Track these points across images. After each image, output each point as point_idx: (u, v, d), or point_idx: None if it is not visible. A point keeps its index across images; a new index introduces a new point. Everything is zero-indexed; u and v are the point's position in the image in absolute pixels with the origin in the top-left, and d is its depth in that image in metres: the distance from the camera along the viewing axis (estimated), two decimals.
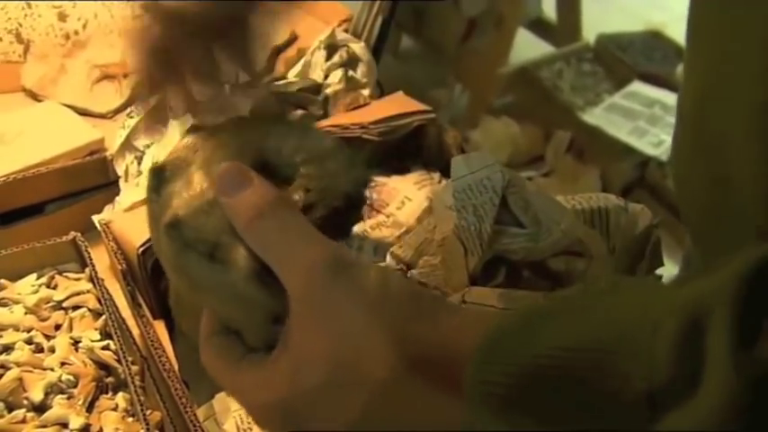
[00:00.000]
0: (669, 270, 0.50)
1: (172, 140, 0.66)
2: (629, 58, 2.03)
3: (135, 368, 0.53)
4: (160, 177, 0.36)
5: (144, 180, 0.63)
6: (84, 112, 0.83)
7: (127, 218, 0.59)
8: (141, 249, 0.54)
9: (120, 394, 0.52)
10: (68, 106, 0.82)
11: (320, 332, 0.30)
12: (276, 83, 0.69)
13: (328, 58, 0.69)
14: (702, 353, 0.23)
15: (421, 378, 0.29)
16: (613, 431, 0.25)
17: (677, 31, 2.15)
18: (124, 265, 0.55)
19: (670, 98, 1.86)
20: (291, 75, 0.71)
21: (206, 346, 0.35)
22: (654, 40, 2.10)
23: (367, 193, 0.37)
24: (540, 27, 2.21)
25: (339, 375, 0.30)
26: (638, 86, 1.95)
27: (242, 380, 0.33)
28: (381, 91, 0.81)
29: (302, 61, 0.70)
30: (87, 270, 0.59)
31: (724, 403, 0.22)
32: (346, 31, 0.78)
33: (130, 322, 0.59)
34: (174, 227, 0.33)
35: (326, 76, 0.70)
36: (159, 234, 0.34)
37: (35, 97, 0.85)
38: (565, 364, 0.26)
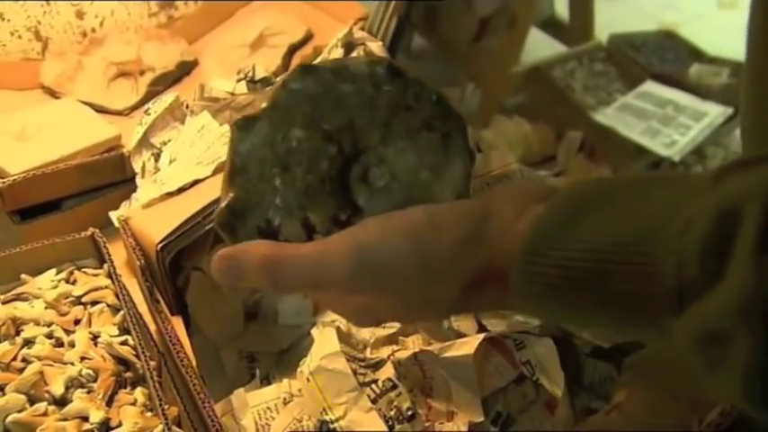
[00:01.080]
0: None
1: (188, 137, 0.67)
2: (642, 58, 2.02)
3: (152, 364, 0.54)
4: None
5: (162, 176, 0.64)
6: (100, 109, 0.84)
7: (145, 214, 0.59)
8: (160, 245, 0.54)
9: (139, 389, 0.52)
10: (86, 103, 0.83)
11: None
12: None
13: (345, 55, 0.70)
14: (730, 251, 0.25)
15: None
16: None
17: (690, 32, 2.14)
18: (143, 261, 0.55)
19: (683, 98, 1.86)
20: None
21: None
22: (667, 40, 2.09)
23: None
24: (552, 26, 2.20)
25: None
26: (650, 86, 1.94)
27: (300, 246, 0.34)
28: None
29: (319, 59, 0.71)
30: (106, 266, 0.60)
31: (740, 300, 0.24)
32: (362, 29, 0.78)
33: (147, 318, 0.60)
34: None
35: None
36: None
37: (53, 94, 0.86)
38: (600, 258, 0.28)
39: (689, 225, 0.26)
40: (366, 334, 0.58)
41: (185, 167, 0.62)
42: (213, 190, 0.57)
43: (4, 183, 0.67)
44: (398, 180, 0.36)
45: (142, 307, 0.60)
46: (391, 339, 0.57)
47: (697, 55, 2.00)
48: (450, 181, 0.37)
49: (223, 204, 0.36)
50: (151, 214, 0.59)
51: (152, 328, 0.59)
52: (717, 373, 0.26)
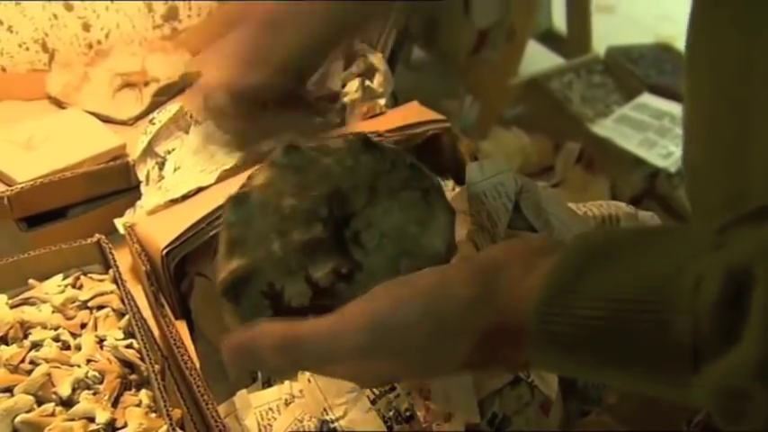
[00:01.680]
0: None
1: (192, 146, 0.68)
2: (639, 70, 2.04)
3: (156, 367, 0.55)
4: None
5: (166, 184, 0.65)
6: (106, 119, 0.85)
7: (150, 221, 0.61)
8: (165, 251, 0.55)
9: (144, 391, 0.53)
10: (91, 113, 0.85)
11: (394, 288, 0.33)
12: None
13: (346, 67, 0.71)
14: (743, 311, 0.25)
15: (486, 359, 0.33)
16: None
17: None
18: (148, 266, 0.57)
19: (679, 110, 1.88)
20: (309, 84, 0.73)
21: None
22: (663, 52, 2.11)
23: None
24: (550, 39, 2.23)
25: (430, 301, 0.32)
26: (647, 98, 1.96)
27: (313, 324, 0.34)
28: (395, 101, 0.83)
29: (320, 70, 0.72)
30: (111, 271, 0.61)
31: (757, 363, 0.25)
32: (362, 41, 0.80)
33: (150, 323, 0.61)
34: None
35: (344, 85, 0.72)
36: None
37: (59, 104, 0.88)
38: (615, 315, 0.28)
39: (699, 284, 0.27)
40: None
41: (189, 175, 0.64)
42: (217, 197, 0.59)
43: (12, 190, 0.68)
44: (389, 237, 0.38)
45: (146, 312, 0.62)
46: None
47: None
48: (437, 231, 0.39)
49: (225, 275, 0.37)
50: (156, 221, 0.61)
51: (155, 332, 0.60)
52: (739, 425, 0.27)
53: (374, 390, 0.47)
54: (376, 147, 0.40)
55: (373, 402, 0.47)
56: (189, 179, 0.63)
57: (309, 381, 0.47)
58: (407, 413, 0.47)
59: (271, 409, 0.48)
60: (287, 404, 0.49)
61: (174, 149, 0.71)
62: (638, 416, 0.43)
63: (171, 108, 0.73)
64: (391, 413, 0.47)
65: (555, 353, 0.30)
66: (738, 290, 0.26)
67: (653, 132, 1.82)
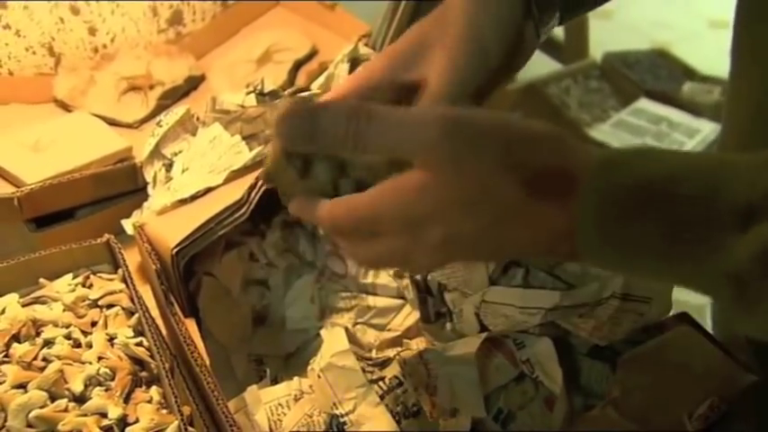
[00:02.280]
0: None
1: (200, 148, 0.69)
2: (636, 75, 2.06)
3: (166, 365, 0.56)
4: None
5: (175, 184, 0.66)
6: (112, 122, 0.86)
7: (160, 220, 0.62)
8: (175, 250, 0.56)
9: (154, 388, 0.54)
10: (97, 116, 0.86)
11: (446, 173, 0.33)
12: (301, 94, 0.72)
13: (351, 71, 0.72)
14: None
15: (538, 197, 0.32)
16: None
17: (683, 51, 2.18)
18: (158, 265, 0.58)
19: (676, 115, 1.90)
20: (315, 86, 0.74)
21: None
22: (660, 58, 2.13)
23: None
24: (547, 45, 2.24)
25: (472, 195, 0.33)
26: (644, 103, 1.98)
27: (366, 199, 0.35)
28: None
29: (326, 74, 0.73)
30: (120, 271, 0.62)
31: None
32: (366, 45, 0.81)
33: (159, 322, 0.62)
34: None
35: None
36: None
37: (66, 108, 0.89)
38: (675, 178, 0.29)
39: (757, 156, 0.28)
40: (371, 337, 0.60)
41: (198, 176, 0.65)
42: (225, 197, 0.60)
43: (21, 191, 0.69)
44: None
45: (154, 311, 0.62)
46: (396, 342, 0.59)
47: (689, 73, 2.04)
48: None
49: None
50: (166, 220, 0.62)
51: (164, 332, 0.61)
52: (758, 307, 0.28)
53: (382, 385, 0.48)
54: None
55: (381, 398, 0.48)
56: (197, 180, 0.64)
57: (319, 376, 0.48)
58: (414, 408, 0.48)
59: (280, 404, 0.49)
60: (296, 400, 0.50)
61: (181, 151, 0.72)
62: (642, 409, 0.44)
63: (178, 111, 0.74)
64: (399, 408, 0.48)
65: (606, 216, 0.30)
66: None
67: (650, 137, 1.84)
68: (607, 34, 2.32)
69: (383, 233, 0.36)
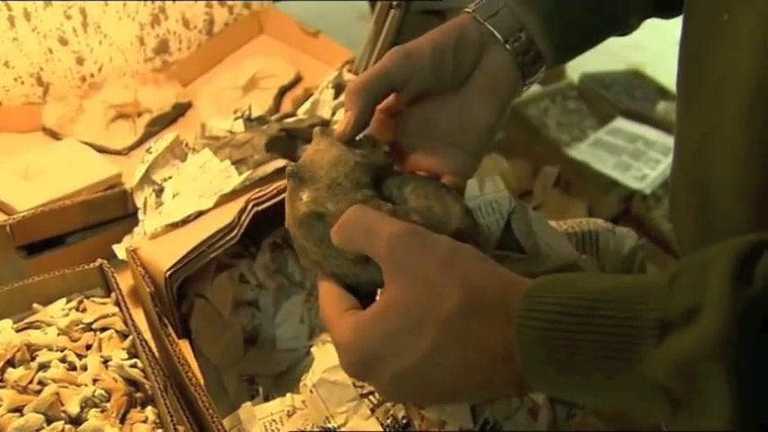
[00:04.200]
0: None
1: (190, 173, 0.71)
2: (612, 95, 2.11)
3: (160, 385, 0.57)
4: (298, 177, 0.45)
5: (166, 209, 0.68)
6: (101, 149, 0.88)
7: (153, 244, 0.63)
8: (168, 273, 0.58)
9: (149, 408, 0.55)
10: (86, 144, 0.87)
11: (400, 282, 0.37)
12: (287, 119, 0.74)
13: (336, 96, 0.75)
14: (706, 290, 0.29)
15: (478, 315, 0.36)
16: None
17: (656, 71, 2.24)
18: (152, 288, 0.59)
19: (651, 134, 1.94)
20: (300, 112, 0.76)
21: (324, 294, 0.43)
22: (634, 78, 2.19)
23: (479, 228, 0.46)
24: None
25: (413, 315, 0.36)
26: (620, 123, 2.03)
27: (340, 323, 0.40)
28: None
29: (311, 99, 0.76)
30: (113, 295, 0.63)
31: (718, 329, 0.28)
32: (350, 71, 0.84)
33: (151, 344, 0.63)
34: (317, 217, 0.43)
35: (334, 113, 0.76)
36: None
37: (55, 136, 0.90)
38: (594, 300, 0.33)
39: (676, 275, 0.31)
40: None
41: (189, 200, 0.66)
42: (216, 221, 0.62)
43: (13, 219, 0.71)
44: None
45: (146, 334, 0.64)
46: None
47: (663, 93, 2.10)
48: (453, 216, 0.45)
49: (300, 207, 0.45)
50: (158, 244, 0.63)
51: (157, 353, 0.63)
52: (696, 413, 0.30)
53: (372, 399, 0.50)
54: None
55: (372, 411, 0.49)
56: (188, 204, 0.66)
57: (312, 392, 0.50)
58: (404, 421, 0.50)
59: (274, 420, 0.51)
60: (289, 415, 0.51)
61: (171, 177, 0.73)
62: (621, 414, 0.46)
63: (167, 137, 0.76)
64: (389, 421, 0.49)
65: (537, 338, 0.34)
66: (701, 278, 0.30)
67: (627, 156, 1.88)
68: (583, 56, 2.37)
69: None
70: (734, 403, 0.29)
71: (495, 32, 0.50)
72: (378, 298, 0.40)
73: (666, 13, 0.57)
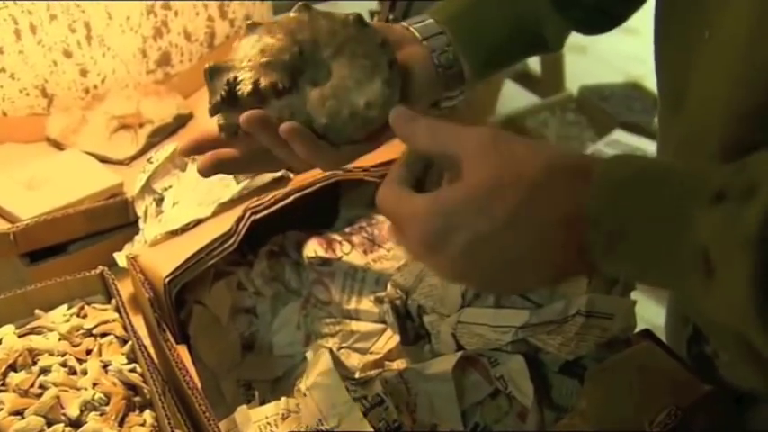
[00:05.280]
0: (636, 296, 0.56)
1: (190, 182, 0.73)
2: (611, 108, 2.13)
3: (159, 389, 0.58)
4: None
5: (166, 217, 0.70)
6: (103, 159, 0.90)
7: (152, 252, 0.65)
8: (167, 279, 0.59)
9: (147, 412, 0.57)
10: (89, 154, 0.89)
11: (485, 162, 0.39)
12: None
13: None
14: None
15: (561, 176, 0.38)
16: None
17: (655, 83, 2.26)
18: (151, 294, 0.60)
19: (650, 146, 1.96)
20: None
21: (391, 180, 0.44)
22: (633, 91, 2.21)
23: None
24: (525, 79, 2.32)
25: (498, 181, 0.38)
26: (619, 135, 2.04)
27: (412, 198, 0.42)
28: None
29: None
30: (113, 301, 0.65)
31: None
32: None
33: (150, 349, 0.65)
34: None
35: None
36: None
37: (58, 146, 0.92)
38: (667, 169, 0.36)
39: (746, 163, 0.34)
40: (355, 360, 0.63)
41: (188, 209, 0.68)
42: (214, 229, 0.63)
43: (17, 227, 0.72)
44: (331, 82, 0.49)
45: (146, 340, 0.65)
46: (378, 364, 0.62)
47: None
48: (366, 94, 0.49)
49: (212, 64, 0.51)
50: (158, 252, 0.64)
51: (155, 358, 0.64)
52: (726, 278, 0.32)
53: (365, 402, 0.51)
54: (364, 24, 0.51)
55: (365, 414, 0.50)
56: (187, 212, 0.67)
57: (305, 395, 0.51)
58: (396, 424, 0.51)
59: (269, 423, 0.52)
60: (284, 418, 0.52)
61: (171, 186, 0.75)
62: (607, 418, 0.47)
63: (167, 148, 0.77)
64: (381, 424, 0.51)
65: (607, 190, 0.37)
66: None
67: None
68: (582, 68, 2.40)
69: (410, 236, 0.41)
70: (756, 279, 0.31)
71: (416, 33, 0.53)
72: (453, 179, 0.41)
73: (588, 30, 0.60)
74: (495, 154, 0.39)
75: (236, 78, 0.49)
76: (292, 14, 0.51)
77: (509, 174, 0.38)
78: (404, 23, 0.54)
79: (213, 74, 0.50)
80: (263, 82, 0.48)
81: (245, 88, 0.48)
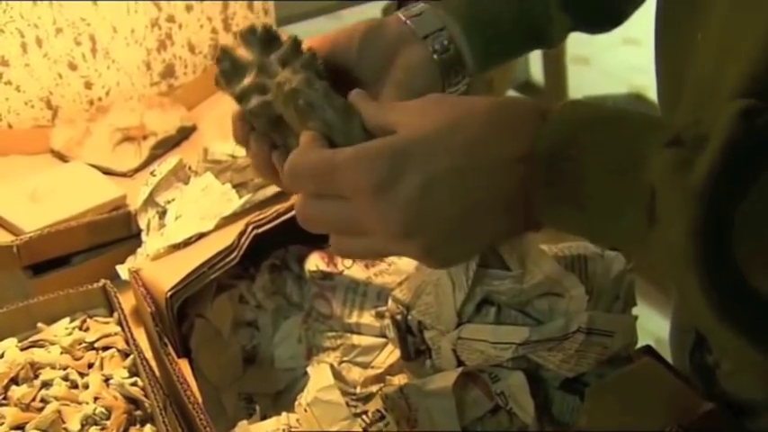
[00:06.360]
0: (641, 309, 0.57)
1: (192, 196, 0.73)
2: None
3: (160, 404, 0.58)
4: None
5: (168, 231, 0.70)
6: (107, 171, 0.90)
7: (155, 266, 0.65)
8: (169, 293, 0.60)
9: (148, 426, 0.57)
10: (93, 166, 0.90)
11: (437, 107, 0.40)
12: None
13: None
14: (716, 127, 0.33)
15: (514, 110, 0.39)
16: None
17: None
18: (153, 308, 0.61)
19: None
20: None
21: (305, 147, 0.41)
22: (637, 102, 2.21)
23: None
24: (528, 90, 2.32)
25: (457, 117, 0.38)
26: None
27: (349, 152, 0.38)
28: None
29: None
30: (116, 314, 0.65)
31: (715, 161, 0.32)
32: None
33: (152, 363, 0.65)
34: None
35: None
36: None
37: (63, 158, 0.92)
38: (621, 115, 0.37)
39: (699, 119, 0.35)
40: (356, 375, 0.63)
41: (190, 222, 0.68)
42: (216, 243, 0.63)
43: (20, 239, 0.73)
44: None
45: (147, 353, 0.65)
46: (379, 379, 0.62)
47: None
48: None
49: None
50: (160, 265, 0.65)
51: (157, 372, 0.64)
52: (669, 213, 0.33)
53: (365, 419, 0.51)
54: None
55: (365, 430, 0.50)
56: (190, 226, 0.68)
57: (306, 410, 0.51)
58: None
59: None
60: None
61: (174, 199, 0.75)
62: None
63: (171, 161, 0.78)
64: None
65: (560, 133, 0.37)
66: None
67: None
68: (585, 79, 2.40)
69: (350, 195, 0.39)
70: (698, 225, 0.31)
71: (415, 29, 0.51)
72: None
73: (590, 29, 0.60)
74: (444, 100, 0.40)
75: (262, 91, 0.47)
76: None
77: (461, 110, 0.38)
78: (401, 16, 0.51)
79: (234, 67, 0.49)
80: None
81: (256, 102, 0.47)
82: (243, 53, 0.49)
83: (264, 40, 0.49)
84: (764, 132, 0.32)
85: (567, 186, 0.36)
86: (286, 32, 0.54)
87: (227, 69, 0.49)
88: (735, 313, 0.32)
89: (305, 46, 0.49)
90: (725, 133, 0.32)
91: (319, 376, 0.52)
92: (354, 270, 0.65)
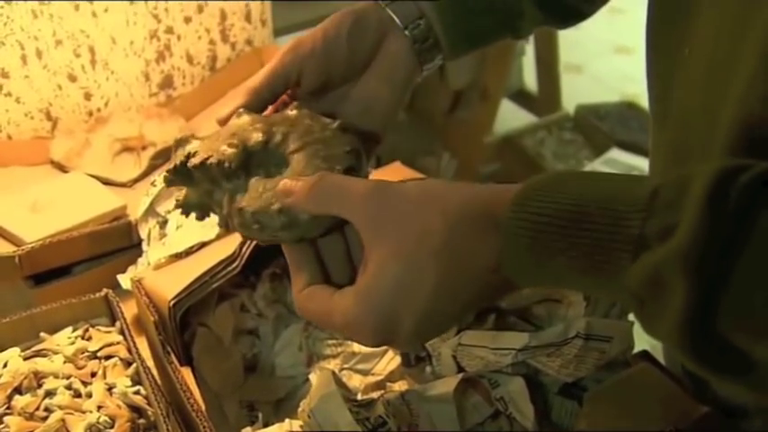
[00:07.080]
0: None
1: None
2: (607, 127, 2.15)
3: (163, 412, 0.59)
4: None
5: (170, 240, 0.70)
6: (106, 182, 0.91)
7: (157, 275, 0.66)
8: (172, 302, 0.60)
9: None
10: (93, 176, 0.90)
11: (384, 238, 0.39)
12: None
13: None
14: (683, 210, 0.31)
15: (468, 232, 0.38)
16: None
17: None
18: (156, 317, 0.61)
19: (646, 164, 1.97)
20: None
21: (301, 297, 0.44)
22: (629, 110, 2.23)
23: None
24: (522, 98, 2.34)
25: (410, 259, 0.38)
26: (615, 153, 2.06)
27: (338, 304, 0.42)
28: (379, 161, 0.90)
29: None
30: (118, 323, 0.66)
31: (684, 247, 0.31)
32: None
33: (154, 372, 0.65)
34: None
35: None
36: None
37: (62, 169, 0.93)
38: (580, 208, 0.35)
39: (657, 190, 0.33)
40: (357, 382, 0.64)
41: (192, 232, 0.69)
42: (218, 252, 0.64)
43: (22, 250, 0.73)
44: (281, 176, 0.47)
45: (149, 362, 0.66)
46: (380, 385, 0.63)
47: None
48: None
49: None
50: (162, 275, 0.65)
51: (159, 380, 0.64)
52: (657, 316, 0.33)
53: (367, 424, 0.52)
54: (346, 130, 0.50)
55: None
56: (191, 235, 0.68)
57: (309, 417, 0.52)
58: None
59: None
60: None
61: (174, 210, 0.76)
62: None
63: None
64: None
65: (524, 240, 0.36)
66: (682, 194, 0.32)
67: None
68: (578, 88, 2.42)
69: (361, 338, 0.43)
70: (688, 313, 0.31)
71: (395, 18, 0.52)
72: (363, 262, 0.41)
73: (560, 23, 0.60)
74: (389, 229, 0.39)
75: (193, 151, 0.49)
76: (288, 111, 0.51)
77: (416, 249, 0.38)
78: (381, 3, 0.52)
79: (179, 143, 0.51)
80: (213, 159, 0.47)
81: (195, 161, 0.48)
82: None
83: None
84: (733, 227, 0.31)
85: (546, 282, 0.39)
86: (283, 43, 0.55)
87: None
88: (718, 365, 0.33)
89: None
90: (688, 234, 0.31)
91: (322, 382, 0.53)
92: None
